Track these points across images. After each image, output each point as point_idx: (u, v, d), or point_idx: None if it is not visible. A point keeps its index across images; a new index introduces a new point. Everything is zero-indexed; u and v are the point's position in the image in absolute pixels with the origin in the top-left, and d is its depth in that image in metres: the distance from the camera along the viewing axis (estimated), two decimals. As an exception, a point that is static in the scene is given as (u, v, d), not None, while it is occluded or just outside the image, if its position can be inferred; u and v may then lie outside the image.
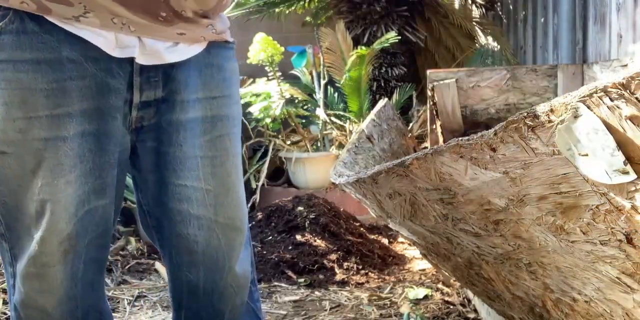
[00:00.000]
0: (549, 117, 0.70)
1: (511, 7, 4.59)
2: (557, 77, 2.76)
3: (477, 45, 4.61)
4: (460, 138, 0.85)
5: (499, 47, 4.41)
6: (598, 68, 2.66)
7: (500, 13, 4.84)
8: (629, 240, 0.82)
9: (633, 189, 0.73)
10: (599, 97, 0.64)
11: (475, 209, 1.02)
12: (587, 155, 0.71)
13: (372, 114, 2.29)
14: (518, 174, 0.84)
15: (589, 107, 0.66)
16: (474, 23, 4.64)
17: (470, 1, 4.90)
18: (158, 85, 1.23)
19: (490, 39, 4.61)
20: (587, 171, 0.73)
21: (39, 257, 1.18)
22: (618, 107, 0.64)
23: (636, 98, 0.61)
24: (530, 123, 0.73)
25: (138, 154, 1.29)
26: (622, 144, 0.68)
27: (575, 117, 0.68)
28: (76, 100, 1.13)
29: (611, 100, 0.63)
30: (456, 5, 4.94)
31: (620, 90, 0.62)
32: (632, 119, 0.64)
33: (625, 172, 0.70)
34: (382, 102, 2.45)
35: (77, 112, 1.14)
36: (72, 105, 1.13)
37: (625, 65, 2.53)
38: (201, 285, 1.35)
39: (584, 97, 0.65)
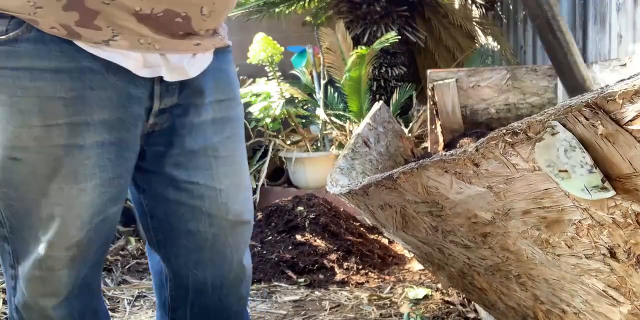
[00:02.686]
0: (527, 134, 0.70)
1: (511, 7, 4.57)
2: (557, 77, 2.75)
3: (477, 45, 4.60)
4: (443, 153, 0.85)
5: (499, 47, 4.40)
6: (598, 68, 2.65)
7: (500, 13, 4.83)
8: (612, 255, 0.82)
9: (613, 204, 0.73)
10: (574, 115, 0.63)
11: (463, 222, 1.02)
12: (566, 171, 0.71)
13: (367, 118, 2.28)
14: (501, 188, 0.84)
15: (564, 125, 0.65)
16: (474, 23, 4.63)
17: (470, 1, 4.89)
18: (175, 92, 1.25)
19: (490, 39, 4.60)
20: (568, 187, 0.73)
21: (45, 260, 1.19)
22: (594, 126, 0.63)
23: (610, 117, 0.61)
24: (509, 139, 0.72)
25: (145, 156, 1.30)
26: (600, 161, 0.68)
27: (553, 134, 0.67)
28: (96, 110, 1.14)
29: (586, 118, 0.63)
30: (456, 5, 4.92)
31: (594, 109, 0.61)
32: (607, 137, 0.64)
33: (605, 189, 0.70)
34: (377, 105, 2.44)
35: (96, 122, 1.14)
36: (91, 115, 1.14)
37: (624, 65, 2.53)
38: (209, 282, 1.38)
39: (559, 115, 0.65)
